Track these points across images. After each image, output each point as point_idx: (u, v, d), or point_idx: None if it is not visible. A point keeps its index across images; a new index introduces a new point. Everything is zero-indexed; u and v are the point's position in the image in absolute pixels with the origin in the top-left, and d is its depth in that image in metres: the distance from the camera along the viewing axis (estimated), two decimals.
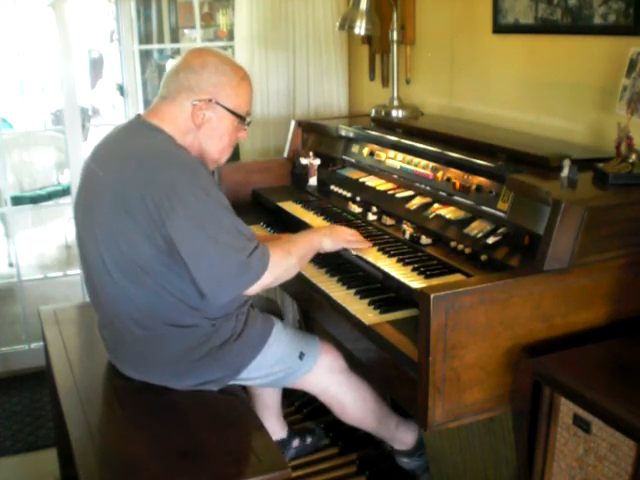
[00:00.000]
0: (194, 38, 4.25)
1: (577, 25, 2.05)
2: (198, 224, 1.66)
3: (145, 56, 5.73)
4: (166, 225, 1.65)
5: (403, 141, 2.31)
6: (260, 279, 1.72)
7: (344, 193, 2.44)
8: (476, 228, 1.84)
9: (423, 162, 2.19)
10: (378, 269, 1.89)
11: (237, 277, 1.70)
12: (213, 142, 1.84)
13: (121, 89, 3.41)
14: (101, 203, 1.75)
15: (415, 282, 1.75)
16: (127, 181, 1.70)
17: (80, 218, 1.88)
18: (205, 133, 1.82)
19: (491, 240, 1.75)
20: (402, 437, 2.20)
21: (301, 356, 1.95)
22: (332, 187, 2.52)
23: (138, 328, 1.80)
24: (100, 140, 1.91)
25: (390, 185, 2.30)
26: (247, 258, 1.68)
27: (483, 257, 1.75)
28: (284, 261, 1.80)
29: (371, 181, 2.38)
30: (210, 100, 1.79)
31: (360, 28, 2.58)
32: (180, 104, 1.79)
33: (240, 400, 1.84)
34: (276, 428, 2.32)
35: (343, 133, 2.60)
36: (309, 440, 2.48)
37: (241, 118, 1.86)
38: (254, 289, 1.74)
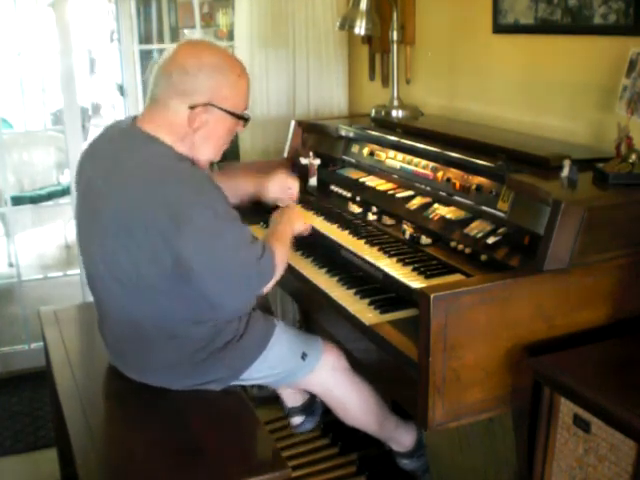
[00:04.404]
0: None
1: (577, 25, 2.05)
2: (207, 241, 1.63)
3: (145, 56, 5.72)
4: (174, 246, 1.61)
5: (403, 141, 2.31)
6: (272, 279, 1.77)
7: (344, 193, 2.44)
8: (476, 228, 1.84)
9: (423, 162, 2.19)
10: (378, 269, 1.89)
11: (251, 282, 1.74)
12: (209, 144, 1.76)
13: (121, 89, 3.41)
14: (103, 220, 1.71)
15: (415, 282, 1.75)
16: (129, 203, 1.65)
17: (82, 225, 1.85)
18: (202, 136, 1.73)
19: (491, 240, 1.75)
20: (401, 438, 2.20)
21: (304, 356, 1.95)
22: (332, 187, 2.52)
23: (139, 332, 1.80)
24: (94, 140, 1.85)
25: (390, 185, 2.30)
26: (257, 265, 1.71)
27: (483, 257, 1.75)
28: (285, 256, 1.85)
29: (371, 181, 2.38)
30: (207, 104, 1.70)
31: (360, 28, 2.58)
32: (174, 110, 1.69)
33: (240, 400, 1.84)
34: (294, 396, 2.28)
35: (343, 133, 2.60)
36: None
37: (239, 117, 1.79)
38: (267, 288, 1.80)
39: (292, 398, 2.33)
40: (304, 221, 2.05)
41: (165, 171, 1.66)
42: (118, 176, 1.70)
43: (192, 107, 1.69)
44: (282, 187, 2.21)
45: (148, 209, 1.62)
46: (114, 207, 1.67)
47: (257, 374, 1.91)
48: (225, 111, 1.73)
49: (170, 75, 1.69)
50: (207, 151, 1.77)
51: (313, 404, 2.36)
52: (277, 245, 1.83)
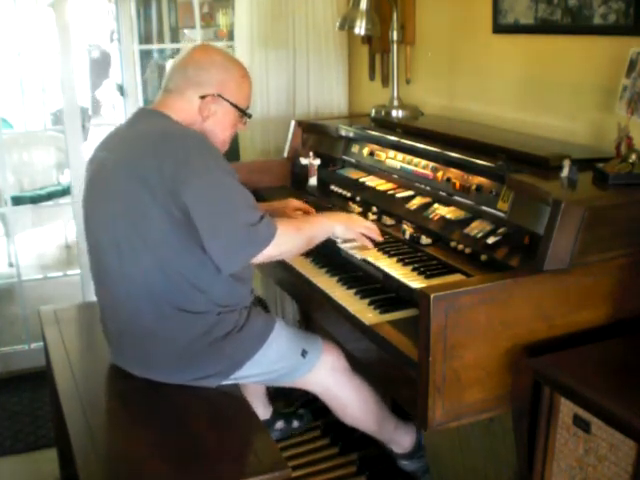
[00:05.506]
0: (194, 38, 4.26)
1: (577, 25, 2.05)
2: (210, 192, 1.74)
3: (145, 56, 5.73)
4: (181, 194, 1.70)
5: (403, 141, 2.31)
6: (266, 249, 1.77)
7: (344, 193, 2.44)
8: (476, 228, 1.84)
9: (423, 162, 2.19)
10: (378, 269, 1.89)
11: (245, 244, 1.75)
12: (216, 134, 1.93)
13: (121, 89, 3.41)
14: (117, 182, 1.81)
15: (415, 282, 1.75)
16: (142, 157, 1.77)
17: (90, 205, 1.91)
18: (209, 125, 1.92)
19: (491, 240, 1.75)
20: (400, 439, 2.20)
21: (304, 354, 1.96)
22: (332, 187, 2.52)
23: (146, 313, 1.82)
24: (104, 137, 1.97)
25: (390, 185, 2.30)
26: (254, 227, 1.74)
27: (483, 257, 1.75)
28: (291, 236, 1.86)
29: (371, 181, 2.38)
30: (217, 95, 1.90)
31: (360, 28, 2.58)
32: (189, 98, 1.89)
33: (240, 400, 1.84)
34: (259, 410, 2.33)
35: (343, 133, 2.60)
36: (295, 424, 2.58)
37: (243, 112, 1.97)
38: (259, 259, 1.79)
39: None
40: (357, 230, 1.98)
41: (173, 131, 1.83)
42: (128, 142, 1.85)
43: (203, 97, 1.89)
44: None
45: (160, 159, 1.74)
46: (129, 166, 1.79)
47: (257, 369, 1.91)
48: (231, 104, 1.93)
49: (186, 69, 1.91)
50: (214, 141, 1.91)
51: (269, 426, 2.46)
52: (291, 226, 1.87)
